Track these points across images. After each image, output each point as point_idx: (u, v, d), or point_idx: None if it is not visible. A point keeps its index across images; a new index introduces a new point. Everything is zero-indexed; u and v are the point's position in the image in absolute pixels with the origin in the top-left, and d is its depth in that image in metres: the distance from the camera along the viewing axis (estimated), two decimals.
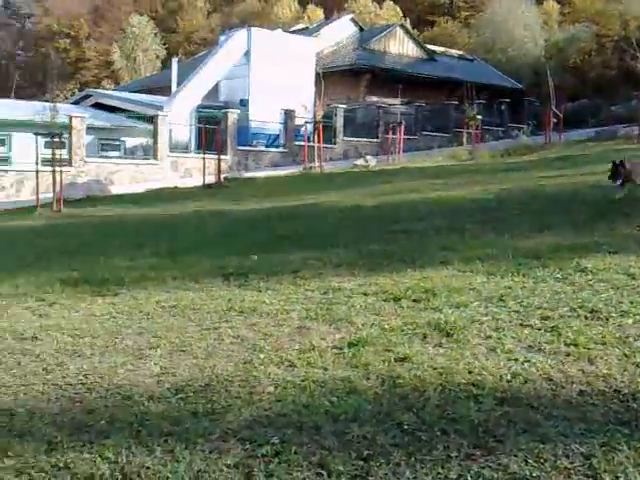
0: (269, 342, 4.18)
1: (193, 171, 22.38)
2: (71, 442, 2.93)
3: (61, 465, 2.73)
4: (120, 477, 2.61)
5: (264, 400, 3.28)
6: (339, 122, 26.86)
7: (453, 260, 5.95)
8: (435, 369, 3.51)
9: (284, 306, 5.01)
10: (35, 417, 3.27)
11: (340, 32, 35.54)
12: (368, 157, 22.56)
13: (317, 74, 25.77)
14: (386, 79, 32.02)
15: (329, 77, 25.62)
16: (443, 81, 34.47)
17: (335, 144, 26.48)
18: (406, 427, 2.88)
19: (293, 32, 33.41)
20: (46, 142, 16.96)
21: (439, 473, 2.53)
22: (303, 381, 3.48)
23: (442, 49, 40.16)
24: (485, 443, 2.71)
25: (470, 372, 3.44)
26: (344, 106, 27.61)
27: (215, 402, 3.30)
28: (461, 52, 41.76)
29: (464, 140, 26.02)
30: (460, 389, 3.25)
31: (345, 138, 27.13)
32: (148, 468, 2.67)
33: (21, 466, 2.76)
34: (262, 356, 3.91)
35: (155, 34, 44.20)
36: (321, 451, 2.72)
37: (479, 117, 25.37)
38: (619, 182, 8.08)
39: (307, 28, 37.87)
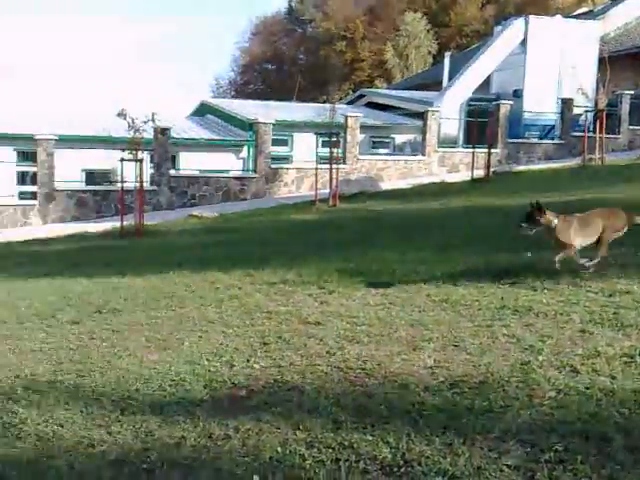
0: (548, 344, 3.98)
1: (460, 166, 22.26)
2: (354, 423, 3.11)
3: (346, 444, 2.91)
4: (401, 463, 2.70)
5: (545, 404, 3.13)
6: (624, 110, 24.56)
7: None
8: None
9: (563, 307, 4.74)
10: (321, 396, 3.52)
11: (630, 13, 32.39)
12: None
13: (601, 59, 23.85)
14: None
15: (614, 62, 23.47)
16: None
17: (619, 134, 24.30)
18: None
19: (575, 17, 31.29)
20: (323, 141, 18.20)
21: None
22: (588, 389, 3.26)
23: None
24: None
25: None
26: (631, 92, 25.17)
27: (492, 401, 3.24)
28: None
29: None
30: None
31: (631, 127, 24.74)
32: (427, 457, 2.71)
33: (311, 440, 3.00)
34: (541, 358, 3.74)
35: (427, 30, 44.79)
36: (612, 465, 2.52)
37: None
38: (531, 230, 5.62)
39: (591, 11, 35.15)
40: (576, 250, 5.54)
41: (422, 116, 23.03)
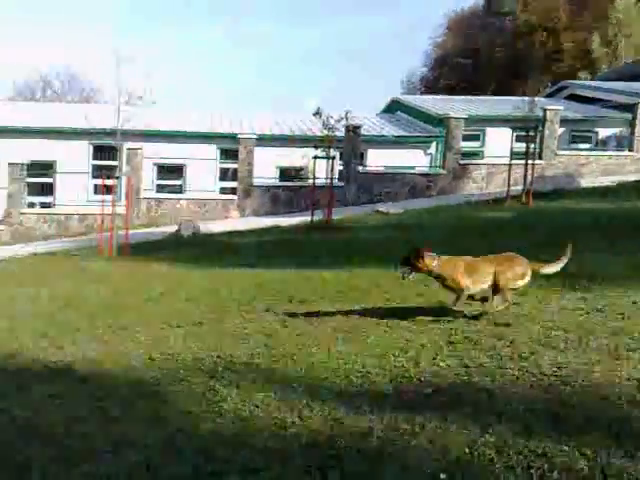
0: None
1: None
2: (547, 431, 2.94)
3: (539, 452, 2.76)
4: (600, 477, 2.51)
5: None
6: None
7: None
8: None
9: None
10: (512, 400, 3.38)
11: None
12: None
13: None
14: None
15: None
16: None
17: None
18: None
19: None
20: (517, 136, 17.46)
21: None
22: None
23: None
24: None
25: None
26: None
27: None
28: None
29: None
30: None
31: None
32: (631, 475, 2.50)
33: (500, 444, 2.89)
34: None
35: None
36: None
37: None
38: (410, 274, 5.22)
39: None
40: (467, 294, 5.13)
41: (631, 109, 21.28)
